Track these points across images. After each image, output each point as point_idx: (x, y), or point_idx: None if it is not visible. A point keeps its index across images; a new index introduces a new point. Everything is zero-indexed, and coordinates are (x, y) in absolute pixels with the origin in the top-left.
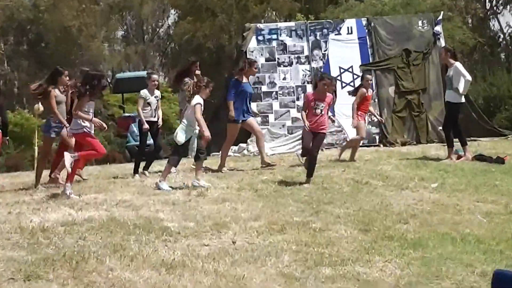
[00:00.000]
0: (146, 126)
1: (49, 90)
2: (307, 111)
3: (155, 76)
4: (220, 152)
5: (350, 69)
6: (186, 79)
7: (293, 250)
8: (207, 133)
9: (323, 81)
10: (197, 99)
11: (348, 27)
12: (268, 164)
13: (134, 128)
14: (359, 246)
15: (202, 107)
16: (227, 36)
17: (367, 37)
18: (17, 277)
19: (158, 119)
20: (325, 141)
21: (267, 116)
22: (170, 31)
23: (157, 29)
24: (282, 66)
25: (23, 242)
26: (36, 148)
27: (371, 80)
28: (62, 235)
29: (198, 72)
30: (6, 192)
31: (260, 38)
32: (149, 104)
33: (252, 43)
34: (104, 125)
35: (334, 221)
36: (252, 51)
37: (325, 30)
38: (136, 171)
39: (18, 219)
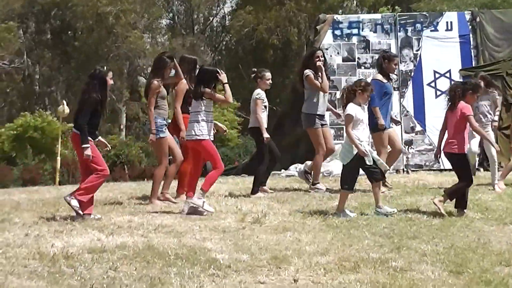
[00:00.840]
0: (267, 135)
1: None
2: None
3: (268, 74)
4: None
5: (448, 74)
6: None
7: None
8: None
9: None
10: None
11: (447, 22)
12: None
13: None
14: None
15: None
16: (295, 29)
17: (471, 35)
18: None
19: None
20: (412, 162)
21: (342, 129)
22: (225, 22)
23: (210, 19)
24: (363, 67)
25: (43, 270)
26: (59, 158)
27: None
28: (89, 263)
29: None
30: (23, 210)
31: (338, 32)
32: (265, 107)
33: (327, 39)
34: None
35: (419, 260)
36: (327, 49)
37: (418, 25)
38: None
39: (37, 243)
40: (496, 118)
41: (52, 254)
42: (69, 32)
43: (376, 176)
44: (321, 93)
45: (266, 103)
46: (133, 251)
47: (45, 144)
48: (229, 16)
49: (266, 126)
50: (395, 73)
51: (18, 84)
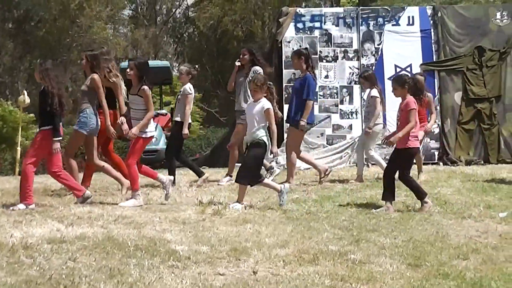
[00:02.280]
0: (186, 131)
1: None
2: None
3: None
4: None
5: (409, 69)
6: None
7: (326, 285)
8: None
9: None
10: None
11: (409, 17)
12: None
13: None
14: (406, 283)
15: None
16: (259, 22)
17: (432, 30)
18: None
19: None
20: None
21: None
22: (188, 13)
23: (173, 10)
24: (324, 61)
25: (1, 260)
26: (19, 148)
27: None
28: (49, 254)
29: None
30: None
31: (300, 25)
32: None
33: (290, 32)
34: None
35: (378, 253)
36: (289, 42)
37: (380, 19)
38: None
39: None
40: (432, 121)
41: (11, 244)
42: (32, 22)
43: None
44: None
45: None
46: (93, 242)
47: (6, 133)
48: (193, 8)
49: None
50: (356, 66)
51: None
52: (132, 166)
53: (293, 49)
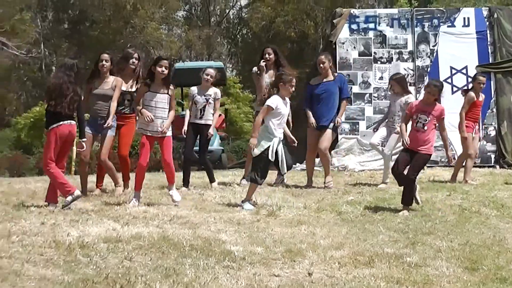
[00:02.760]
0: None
1: None
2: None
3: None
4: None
5: (464, 70)
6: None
7: (382, 287)
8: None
9: (427, 89)
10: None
11: (464, 18)
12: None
13: None
14: (463, 287)
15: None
16: (312, 23)
17: (488, 31)
18: None
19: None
20: None
21: (358, 123)
22: (242, 14)
23: (226, 11)
24: (379, 62)
25: (59, 259)
26: (74, 148)
27: (483, 84)
28: (105, 253)
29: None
30: (39, 199)
31: (354, 27)
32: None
33: (344, 33)
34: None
35: (434, 256)
36: (343, 43)
37: (435, 21)
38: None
39: (53, 231)
40: None
41: (68, 243)
42: (87, 22)
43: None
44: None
45: (197, 100)
46: (148, 242)
47: None
48: (246, 9)
49: None
50: (411, 68)
51: (35, 74)
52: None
53: (347, 50)
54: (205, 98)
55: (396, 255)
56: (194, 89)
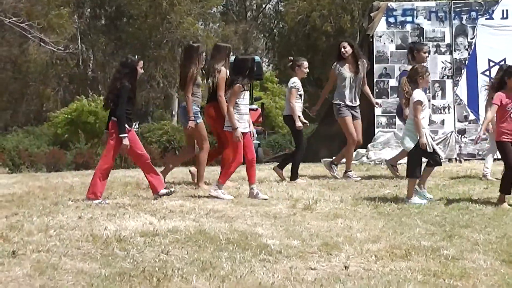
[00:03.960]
0: (299, 123)
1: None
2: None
3: (306, 63)
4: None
5: (502, 63)
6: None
7: (419, 280)
8: None
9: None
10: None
11: (503, 10)
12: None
13: None
14: (501, 280)
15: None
16: (348, 17)
17: None
18: None
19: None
20: (464, 151)
21: (394, 116)
22: (278, 8)
23: (263, 6)
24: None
25: (96, 252)
26: None
27: None
28: (142, 247)
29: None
30: (76, 193)
31: (391, 20)
32: (300, 96)
33: (381, 26)
34: None
35: (471, 249)
36: (380, 36)
37: (473, 13)
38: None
39: (90, 225)
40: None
41: (105, 236)
42: (124, 18)
43: (438, 160)
44: (350, 83)
45: (301, 92)
46: (185, 235)
47: (98, 128)
48: (282, 3)
49: (299, 115)
50: (449, 61)
51: (72, 69)
52: None
53: (384, 43)
54: None
55: (433, 248)
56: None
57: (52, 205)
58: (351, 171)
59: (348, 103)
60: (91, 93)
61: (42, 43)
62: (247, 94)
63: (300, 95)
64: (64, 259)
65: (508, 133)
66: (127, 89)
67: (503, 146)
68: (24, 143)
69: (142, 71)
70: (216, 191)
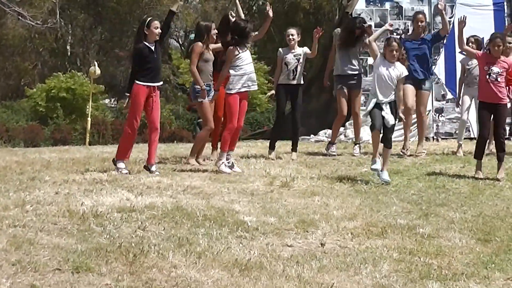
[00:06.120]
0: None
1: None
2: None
3: (290, 31)
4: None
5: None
6: None
7: (395, 258)
8: None
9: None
10: None
11: None
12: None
13: None
14: (475, 258)
15: None
16: None
17: (505, 3)
18: (64, 267)
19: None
20: (442, 130)
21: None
22: None
23: None
24: (395, 34)
25: (72, 228)
26: (89, 119)
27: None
28: (118, 222)
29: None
30: (53, 169)
31: None
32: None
33: (360, 4)
34: None
35: (447, 227)
36: (360, 14)
37: None
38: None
39: (67, 201)
40: None
41: (81, 212)
42: None
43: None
44: (340, 54)
45: (288, 61)
46: (162, 211)
47: (76, 104)
48: None
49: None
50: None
51: (51, 44)
52: None
53: None
54: (296, 58)
55: (409, 226)
56: (281, 50)
57: (29, 180)
58: (335, 143)
59: (338, 73)
60: (69, 69)
61: (20, 17)
62: (246, 55)
63: (286, 64)
64: (41, 234)
65: (486, 97)
66: (135, 51)
67: (480, 111)
68: (2, 118)
69: (158, 31)
70: (222, 167)
